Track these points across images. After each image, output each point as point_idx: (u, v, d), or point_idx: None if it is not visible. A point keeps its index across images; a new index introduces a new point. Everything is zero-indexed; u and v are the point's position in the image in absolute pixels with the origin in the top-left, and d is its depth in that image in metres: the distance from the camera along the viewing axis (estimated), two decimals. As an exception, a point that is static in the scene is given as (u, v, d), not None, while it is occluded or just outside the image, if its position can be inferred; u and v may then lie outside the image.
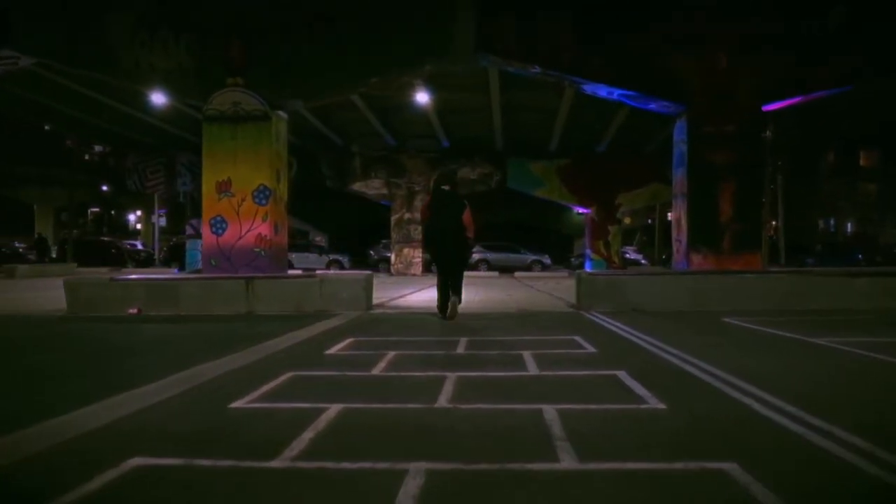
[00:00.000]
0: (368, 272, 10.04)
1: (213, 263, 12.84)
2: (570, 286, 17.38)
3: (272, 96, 12.89)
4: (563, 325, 8.11)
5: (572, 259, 33.89)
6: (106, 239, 31.36)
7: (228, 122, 12.82)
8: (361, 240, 34.37)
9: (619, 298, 9.70)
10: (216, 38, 12.70)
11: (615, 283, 10.00)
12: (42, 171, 32.68)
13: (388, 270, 28.77)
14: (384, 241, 31.76)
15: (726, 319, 8.36)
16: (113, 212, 50.54)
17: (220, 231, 12.83)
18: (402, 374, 4.80)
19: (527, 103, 22.97)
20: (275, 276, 9.96)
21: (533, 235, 38.64)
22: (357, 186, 28.50)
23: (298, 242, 35.50)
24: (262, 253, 12.77)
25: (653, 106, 13.53)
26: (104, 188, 34.14)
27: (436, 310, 8.93)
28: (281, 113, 13.26)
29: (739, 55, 12.30)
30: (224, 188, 12.84)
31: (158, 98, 20.14)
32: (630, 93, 13.11)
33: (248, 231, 12.83)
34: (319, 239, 38.81)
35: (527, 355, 5.48)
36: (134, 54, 12.81)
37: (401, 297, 13.40)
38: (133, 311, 9.34)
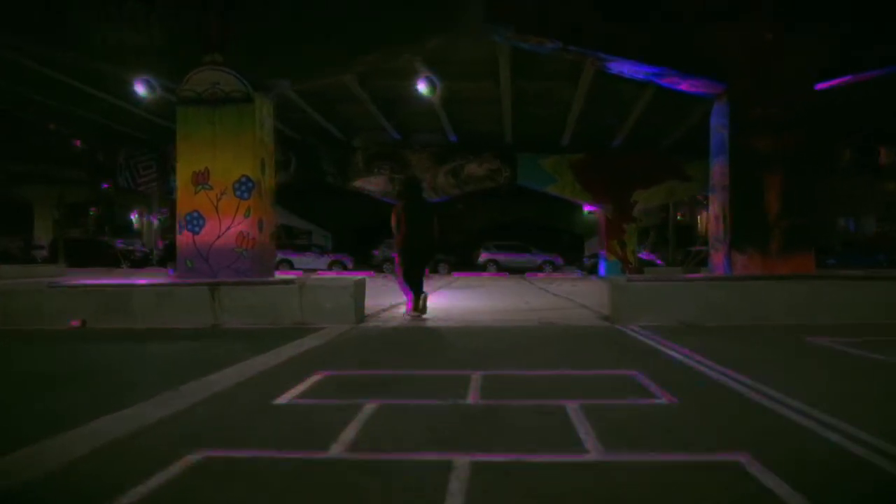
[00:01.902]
0: (360, 277, 8.25)
1: (190, 265, 11.13)
2: (591, 290, 15.65)
3: (255, 76, 11.15)
4: (606, 348, 6.35)
5: (585, 259, 31.98)
6: (99, 238, 29.68)
7: (206, 104, 11.14)
8: (365, 239, 32.54)
9: (664, 310, 7.88)
10: (190, 9, 10.94)
11: (659, 291, 8.15)
12: (42, 169, 31.04)
13: (392, 271, 26.96)
14: (389, 240, 29.92)
15: (817, 340, 6.49)
16: (116, 211, 48.86)
17: (197, 229, 11.13)
18: (378, 457, 2.92)
19: (539, 94, 21.17)
20: (246, 282, 8.16)
21: (543, 235, 36.80)
22: (359, 183, 26.69)
23: (299, 243, 33.82)
24: (245, 253, 11.04)
25: (686, 86, 11.65)
26: (104, 186, 32.44)
27: (438, 321, 8.00)
28: (266, 95, 11.47)
29: (789, 28, 10.47)
30: (201, 180, 11.12)
31: (140, 87, 18.49)
32: (662, 71, 11.25)
33: (229, 228, 11.12)
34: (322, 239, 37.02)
35: (574, 411, 3.67)
36: (100, 30, 11.05)
37: (400, 303, 11.58)
38: (75, 323, 7.55)
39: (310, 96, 20.93)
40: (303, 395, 4.16)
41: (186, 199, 11.10)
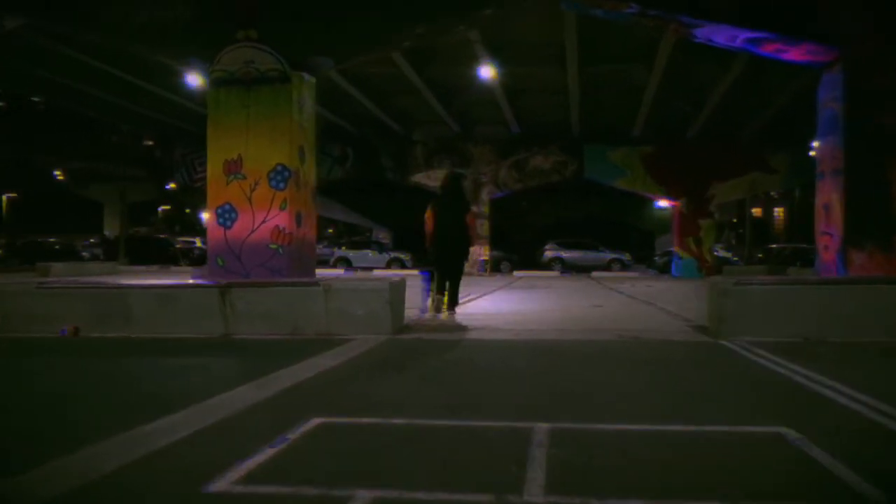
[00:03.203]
0: (398, 278, 6.76)
1: (221, 264, 9.95)
2: (669, 292, 13.67)
3: (293, 53, 9.85)
4: (721, 379, 4.67)
5: (656, 257, 29.68)
6: (159, 236, 29.30)
7: (239, 85, 9.93)
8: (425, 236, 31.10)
9: (781, 321, 6.09)
10: (222, -22, 9.71)
11: (779, 296, 6.31)
12: (102, 167, 31.02)
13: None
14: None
15: None
16: (188, 210, 49.12)
17: (229, 223, 9.95)
18: None
19: (608, 80, 19.31)
20: (261, 283, 6.77)
21: (610, 232, 34.57)
22: (419, 178, 25.30)
23: (356, 240, 32.72)
24: (281, 250, 9.77)
25: (793, 55, 9.70)
26: (167, 187, 32.25)
27: (493, 332, 6.76)
28: (305, 75, 10.17)
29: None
30: (233, 169, 9.92)
31: (192, 80, 17.65)
32: (762, 36, 9.31)
33: (263, 222, 9.87)
34: (383, 236, 35.86)
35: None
36: (122, 6, 9.93)
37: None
38: (67, 330, 6.33)
39: (365, 86, 19.68)
40: (265, 471, 2.62)
41: (217, 190, 9.94)
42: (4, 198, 38.32)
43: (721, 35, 9.61)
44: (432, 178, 25.12)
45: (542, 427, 3.13)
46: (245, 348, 5.80)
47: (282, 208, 9.72)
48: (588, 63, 17.13)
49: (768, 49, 9.62)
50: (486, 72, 17.18)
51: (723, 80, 17.76)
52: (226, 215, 9.85)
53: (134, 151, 26.79)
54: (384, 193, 32.00)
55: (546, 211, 36.14)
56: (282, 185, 9.71)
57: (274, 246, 9.71)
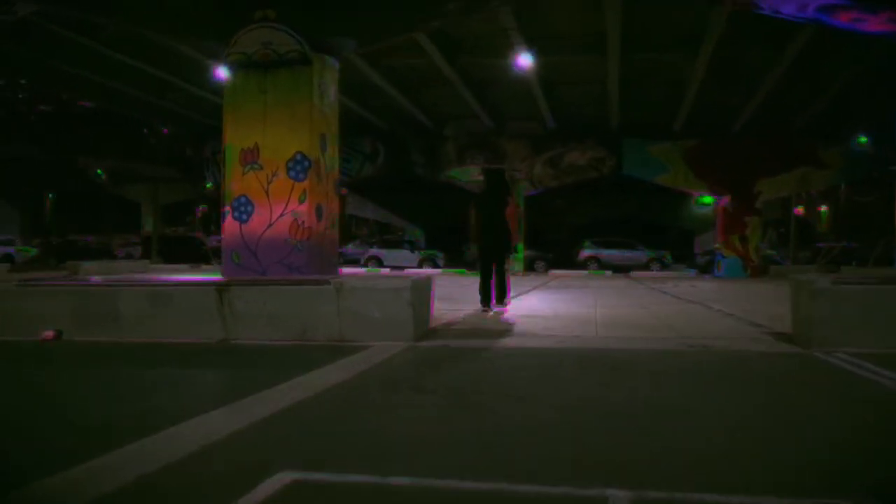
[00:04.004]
0: (422, 276, 5.77)
1: (236, 261, 9.14)
2: (719, 292, 12.40)
3: (314, 33, 9.01)
4: (843, 414, 3.48)
5: (697, 256, 28.20)
6: (192, 235, 28.85)
7: (256, 69, 9.11)
8: (459, 235, 30.09)
9: (891, 328, 4.87)
10: (237, -47, 8.89)
11: (888, 298, 5.09)
12: (134, 166, 30.72)
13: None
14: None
15: None
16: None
17: (245, 217, 9.13)
18: None
19: (650, 70, 18.10)
20: (263, 281, 5.84)
21: (648, 230, 33.10)
22: (450, 174, 24.28)
23: (388, 238, 31.83)
24: (299, 246, 8.91)
25: (869, 25, 8.46)
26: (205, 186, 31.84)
27: (533, 338, 5.83)
28: (327, 58, 9.29)
29: None
30: (250, 158, 9.11)
31: (221, 74, 17.09)
32: (837, 2, 8.09)
33: (281, 216, 9.05)
34: (416, 234, 34.96)
35: None
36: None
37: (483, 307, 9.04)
38: (48, 334, 5.50)
39: (395, 78, 18.78)
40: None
41: (233, 181, 9.15)
42: (50, 197, 38.43)
43: (790, 4, 8.42)
44: (463, 176, 24.15)
45: (621, 497, 2.13)
46: (241, 357, 4.92)
47: (301, 201, 8.88)
48: (630, 51, 15.97)
49: (843, 19, 8.40)
50: (524, 60, 16.11)
51: (774, 67, 16.43)
52: (241, 208, 9.05)
53: (169, 152, 26.38)
54: (415, 191, 31.12)
55: (582, 210, 34.81)
56: (301, 175, 8.87)
57: (292, 241, 8.88)
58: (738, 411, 3.40)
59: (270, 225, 8.95)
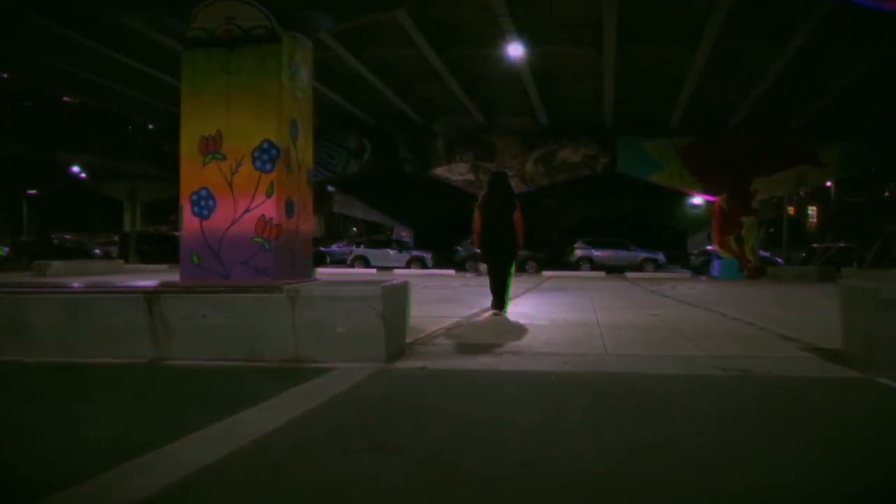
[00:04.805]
0: (397, 282, 4.68)
1: (196, 262, 8.08)
2: (721, 295, 11.30)
3: (283, 7, 7.95)
4: None
5: (692, 257, 27.26)
6: (172, 234, 27.61)
7: (219, 47, 8.03)
8: (449, 235, 29.00)
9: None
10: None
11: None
12: (130, 166, 29.51)
13: (475, 269, 23.20)
14: (471, 236, 26.17)
15: None
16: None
17: (206, 212, 8.06)
18: None
19: (648, 65, 17.13)
20: (206, 289, 4.74)
21: (641, 231, 32.17)
22: (439, 172, 23.22)
23: (376, 238, 30.69)
24: (267, 245, 7.82)
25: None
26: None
27: (533, 357, 4.83)
28: (300, 36, 8.21)
29: None
30: (211, 147, 8.04)
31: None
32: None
33: (246, 212, 8.00)
34: (405, 234, 33.82)
35: None
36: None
37: (475, 314, 7.99)
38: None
39: (383, 70, 17.71)
40: None
41: (192, 173, 8.07)
42: (27, 195, 37.06)
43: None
44: (454, 172, 23.09)
45: None
46: (162, 385, 3.83)
47: (268, 195, 7.82)
48: (627, 44, 14.99)
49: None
50: (516, 50, 15.07)
51: (775, 62, 15.51)
52: (202, 203, 7.97)
53: (150, 148, 25.19)
54: (404, 190, 30.03)
55: (574, 209, 33.83)
56: (268, 166, 7.80)
57: (259, 240, 7.82)
58: (821, 475, 2.37)
59: (235, 221, 7.90)
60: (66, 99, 23.55)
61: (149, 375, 4.09)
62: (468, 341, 5.58)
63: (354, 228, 43.06)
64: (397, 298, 4.57)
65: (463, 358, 4.59)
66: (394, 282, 4.61)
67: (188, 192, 7.94)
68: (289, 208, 7.99)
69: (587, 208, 34.23)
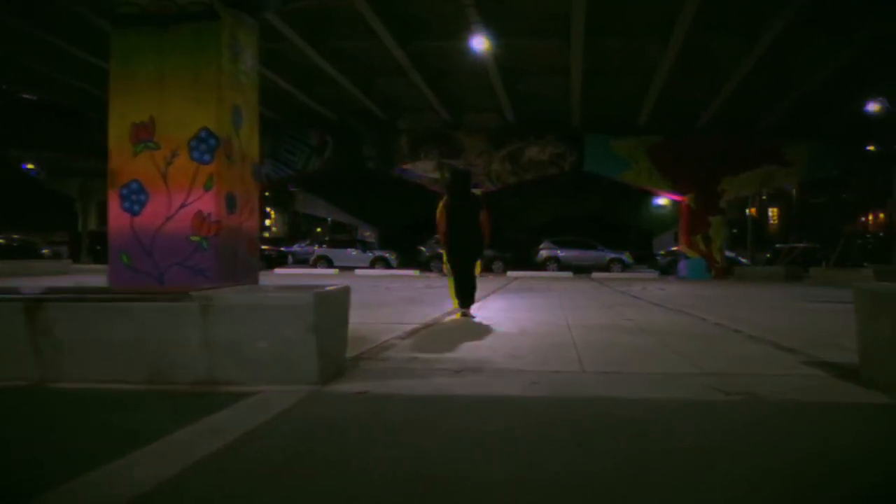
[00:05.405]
0: (336, 288, 3.89)
1: (126, 262, 7.22)
2: (695, 297, 10.59)
3: (224, -20, 7.06)
4: None
5: (659, 257, 26.96)
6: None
7: (151, 24, 7.17)
8: (414, 235, 28.23)
9: None
10: None
11: None
12: (81, 162, 28.03)
13: (439, 269, 22.47)
14: (436, 235, 25.41)
15: None
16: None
17: (137, 207, 7.21)
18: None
19: (616, 59, 16.58)
20: (101, 296, 3.90)
21: (607, 231, 31.84)
22: (405, 167, 22.39)
23: (338, 237, 29.77)
24: (205, 244, 6.99)
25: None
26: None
27: (498, 377, 4.06)
28: (243, 15, 7.38)
29: None
30: (143, 135, 7.19)
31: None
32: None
33: (182, 207, 7.13)
34: (369, 234, 32.95)
35: None
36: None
37: (436, 319, 7.26)
38: None
39: (344, 63, 16.86)
40: None
41: (122, 163, 7.19)
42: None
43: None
44: (419, 169, 22.32)
45: None
46: (33, 418, 3.00)
47: (207, 188, 7.00)
48: (595, 36, 14.42)
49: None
50: (480, 43, 14.41)
51: (747, 57, 15.11)
52: (132, 197, 7.11)
53: (88, 141, 23.90)
54: (368, 189, 29.19)
55: (541, 208, 33.40)
56: (206, 156, 6.98)
57: (196, 238, 6.99)
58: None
59: (169, 218, 7.06)
60: (25, 96, 22.35)
61: (20, 404, 3.24)
62: (424, 353, 4.84)
63: (319, 228, 42.02)
64: (335, 307, 3.80)
65: (413, 379, 3.82)
66: (329, 287, 3.85)
67: (117, 185, 7.06)
68: (230, 203, 7.16)
69: (555, 207, 33.82)
